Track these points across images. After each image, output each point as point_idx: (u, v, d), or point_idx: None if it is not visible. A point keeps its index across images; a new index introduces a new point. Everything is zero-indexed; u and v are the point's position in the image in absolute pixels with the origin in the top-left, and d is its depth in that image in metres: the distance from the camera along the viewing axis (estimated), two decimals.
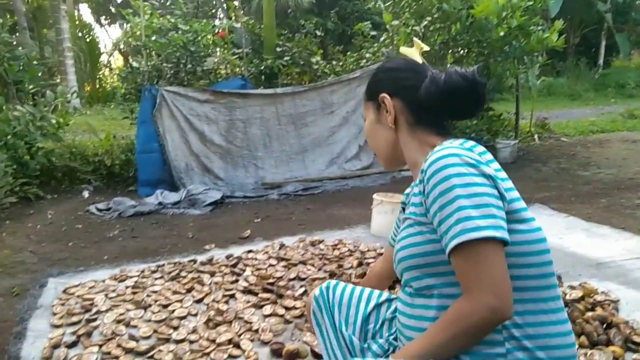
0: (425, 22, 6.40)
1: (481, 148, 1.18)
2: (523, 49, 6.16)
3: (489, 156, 1.17)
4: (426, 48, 1.53)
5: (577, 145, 7.65)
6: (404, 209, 1.40)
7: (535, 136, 8.12)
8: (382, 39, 7.55)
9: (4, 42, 6.31)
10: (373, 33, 7.81)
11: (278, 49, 7.06)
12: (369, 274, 1.77)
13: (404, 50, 1.54)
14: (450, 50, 6.86)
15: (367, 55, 7.38)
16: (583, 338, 2.17)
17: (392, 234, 1.55)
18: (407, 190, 1.45)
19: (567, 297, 2.49)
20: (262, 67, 6.86)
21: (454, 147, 1.13)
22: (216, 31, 7.09)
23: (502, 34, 5.97)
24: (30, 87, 6.50)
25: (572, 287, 2.68)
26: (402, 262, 1.22)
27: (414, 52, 1.49)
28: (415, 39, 1.50)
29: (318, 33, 8.35)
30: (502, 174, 1.16)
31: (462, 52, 6.99)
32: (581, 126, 9.15)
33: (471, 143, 1.18)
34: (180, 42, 6.01)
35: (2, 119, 5.09)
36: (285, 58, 6.90)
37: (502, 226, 1.05)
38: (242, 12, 7.54)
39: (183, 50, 6.13)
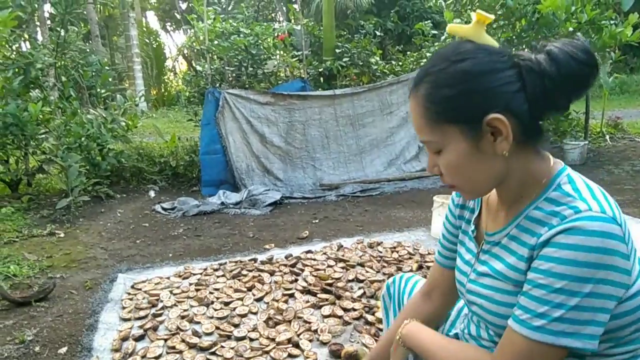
0: None
1: (611, 199, 0.94)
2: (594, 45, 5.85)
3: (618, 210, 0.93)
4: (491, 17, 1.02)
5: None
6: (466, 229, 1.20)
7: (607, 137, 7.71)
8: (443, 37, 7.40)
9: (79, 50, 6.69)
10: (434, 32, 7.66)
11: (337, 50, 7.06)
12: (405, 311, 1.36)
13: (454, 28, 1.03)
14: (514, 49, 6.61)
15: (428, 54, 7.25)
16: None
17: (439, 251, 1.30)
18: (468, 216, 1.21)
19: None
20: (321, 69, 6.89)
21: (608, 218, 0.86)
22: (276, 34, 7.19)
23: (571, 29, 5.70)
24: (102, 91, 6.85)
25: None
26: (481, 310, 1.06)
27: (476, 30, 0.99)
28: (477, 11, 0.99)
29: (377, 33, 8.29)
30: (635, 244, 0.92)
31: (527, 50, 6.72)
32: None
33: (602, 192, 0.95)
34: (242, 45, 6.14)
35: (77, 122, 5.38)
36: (345, 59, 6.89)
37: (597, 335, 0.86)
38: (301, 14, 7.60)
39: (245, 53, 6.27)
